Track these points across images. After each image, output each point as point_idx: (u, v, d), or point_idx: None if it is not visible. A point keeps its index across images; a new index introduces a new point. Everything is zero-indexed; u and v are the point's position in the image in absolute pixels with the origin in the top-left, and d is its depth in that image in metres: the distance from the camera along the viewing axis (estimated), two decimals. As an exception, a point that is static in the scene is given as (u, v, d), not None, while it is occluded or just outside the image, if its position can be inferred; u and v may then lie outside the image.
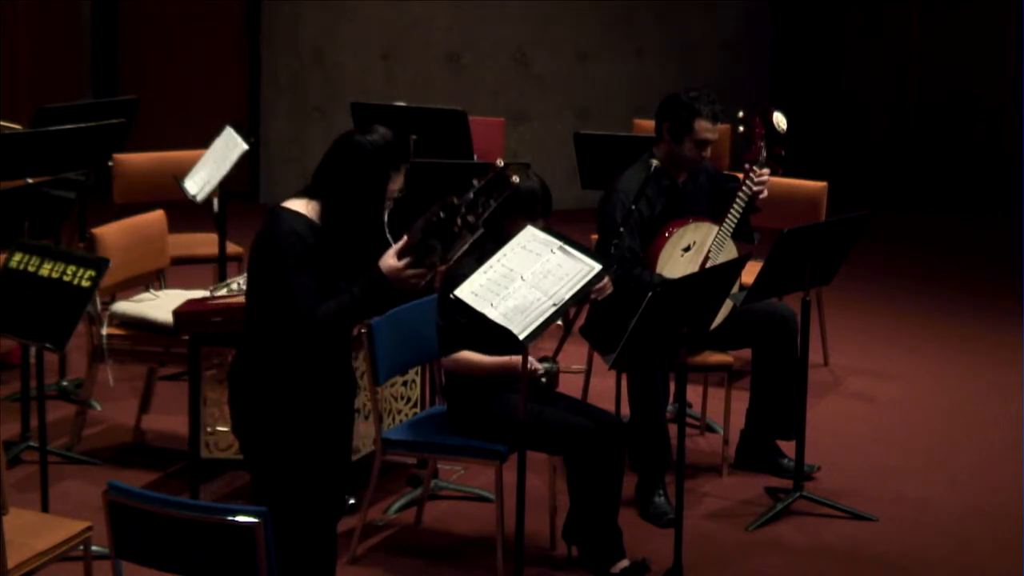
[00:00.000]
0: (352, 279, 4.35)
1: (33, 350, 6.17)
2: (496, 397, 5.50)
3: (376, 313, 4.49)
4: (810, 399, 6.41)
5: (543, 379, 5.47)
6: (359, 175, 4.36)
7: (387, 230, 4.44)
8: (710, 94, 6.26)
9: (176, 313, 5.96)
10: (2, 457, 4.64)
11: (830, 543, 5.96)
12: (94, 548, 4.87)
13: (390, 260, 4.30)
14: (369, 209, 4.38)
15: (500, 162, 4.51)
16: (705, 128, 6.18)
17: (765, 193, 6.28)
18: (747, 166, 6.27)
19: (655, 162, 6.18)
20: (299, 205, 4.39)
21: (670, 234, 6.18)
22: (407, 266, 4.29)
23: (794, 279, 6.03)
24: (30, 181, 6.71)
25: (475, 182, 4.36)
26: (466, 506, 6.21)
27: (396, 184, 4.40)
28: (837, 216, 6.27)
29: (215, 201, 7.25)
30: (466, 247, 4.34)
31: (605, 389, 6.71)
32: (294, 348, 4.40)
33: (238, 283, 6.07)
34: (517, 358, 5.35)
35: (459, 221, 4.25)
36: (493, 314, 4.88)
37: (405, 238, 4.32)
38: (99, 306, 6.47)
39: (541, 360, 5.51)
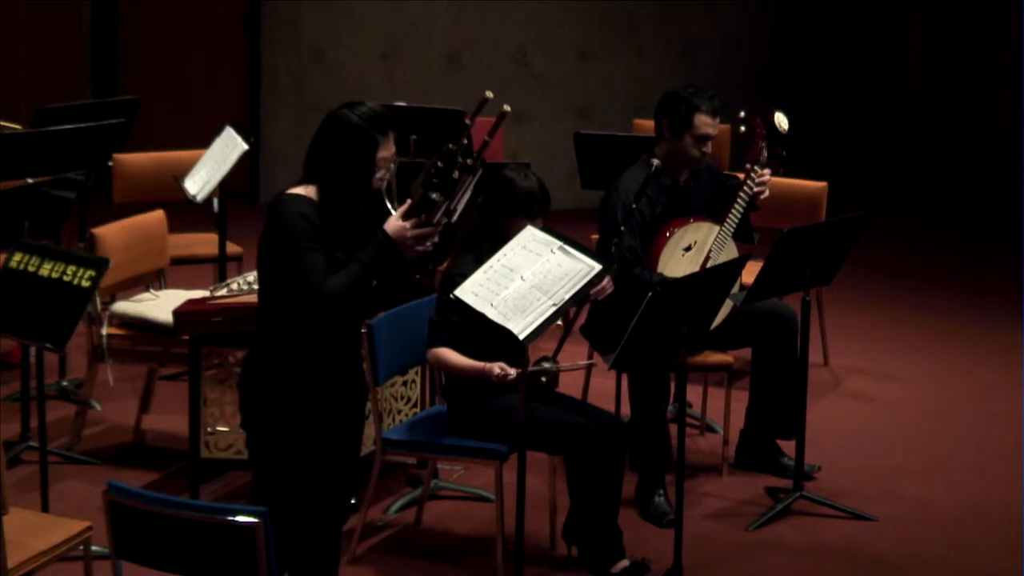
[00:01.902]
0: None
1: (33, 350, 6.17)
2: (496, 397, 5.49)
3: (385, 279, 4.46)
4: (810, 399, 6.41)
5: (543, 379, 5.47)
6: (347, 147, 4.37)
7: (387, 198, 4.45)
8: (708, 89, 6.26)
9: (176, 313, 5.96)
10: (2, 457, 4.64)
11: (830, 543, 5.96)
12: (94, 548, 4.87)
13: (394, 222, 4.32)
14: (363, 179, 4.38)
15: (488, 94, 4.50)
16: (705, 123, 6.17)
17: (766, 193, 6.28)
18: (748, 166, 6.27)
19: (656, 162, 6.17)
20: (299, 190, 4.43)
21: (671, 234, 6.18)
22: (413, 226, 4.30)
23: (794, 279, 6.03)
24: (30, 181, 6.71)
25: (467, 121, 4.37)
26: (466, 506, 6.21)
27: (387, 151, 4.40)
28: (837, 216, 6.27)
29: (215, 201, 7.26)
30: (469, 193, 4.33)
31: (605, 389, 6.71)
32: (307, 338, 4.40)
33: (238, 283, 6.07)
34: (490, 365, 5.34)
35: (458, 166, 4.25)
36: (493, 314, 4.88)
37: (408, 202, 4.32)
38: (99, 306, 6.47)
39: (542, 360, 5.51)
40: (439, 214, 4.33)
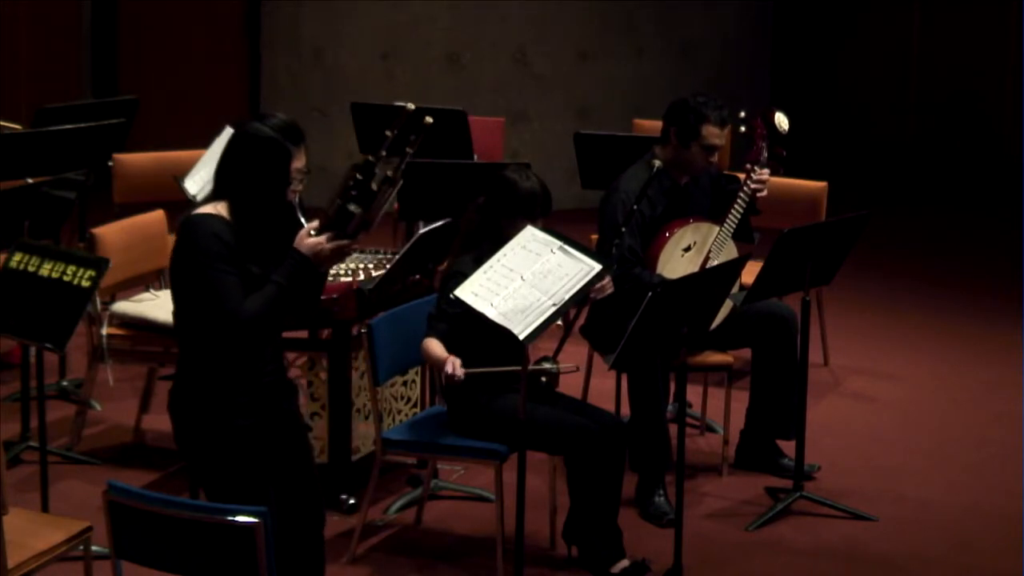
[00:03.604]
0: (275, 267, 4.32)
1: (33, 350, 6.17)
2: (496, 397, 5.49)
3: (305, 296, 4.43)
4: (810, 399, 6.41)
5: (543, 379, 5.46)
6: (260, 159, 4.31)
7: (300, 211, 4.40)
8: (718, 99, 6.26)
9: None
10: (2, 457, 4.64)
11: (830, 543, 5.96)
12: (94, 548, 4.87)
13: (307, 239, 4.28)
14: (276, 191, 4.33)
15: (410, 105, 4.47)
16: (713, 134, 6.17)
17: (765, 192, 6.28)
18: (748, 166, 6.27)
19: (658, 163, 6.17)
20: (210, 208, 4.36)
21: (671, 234, 6.18)
22: (328, 239, 4.26)
23: (794, 279, 6.03)
24: (30, 181, 6.71)
25: (387, 133, 4.32)
26: (466, 506, 6.21)
27: (300, 162, 4.35)
28: (837, 216, 6.27)
29: (215, 201, 7.24)
30: (387, 205, 4.28)
31: (605, 389, 6.71)
32: (228, 356, 4.34)
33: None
34: (447, 359, 5.26)
35: (377, 178, 4.20)
36: (493, 314, 4.88)
37: (316, 220, 4.28)
38: (99, 306, 6.47)
39: (542, 360, 5.50)
40: (355, 225, 4.26)
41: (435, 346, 5.38)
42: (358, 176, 4.20)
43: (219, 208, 4.35)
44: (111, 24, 11.49)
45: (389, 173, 4.22)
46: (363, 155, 4.26)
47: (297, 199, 4.38)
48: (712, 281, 5.58)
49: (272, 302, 4.29)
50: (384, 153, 4.23)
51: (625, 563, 5.53)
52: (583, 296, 5.05)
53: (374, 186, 4.21)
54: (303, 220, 4.37)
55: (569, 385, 5.99)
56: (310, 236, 4.28)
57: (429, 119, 4.44)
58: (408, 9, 11.06)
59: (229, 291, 4.26)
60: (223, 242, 4.27)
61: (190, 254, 4.31)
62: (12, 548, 4.52)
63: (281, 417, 4.48)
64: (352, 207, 4.23)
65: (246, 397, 4.38)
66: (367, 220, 4.26)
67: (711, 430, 6.96)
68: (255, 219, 4.33)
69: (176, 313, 4.46)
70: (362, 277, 6.07)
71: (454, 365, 5.22)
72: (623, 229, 6.07)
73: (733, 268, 5.65)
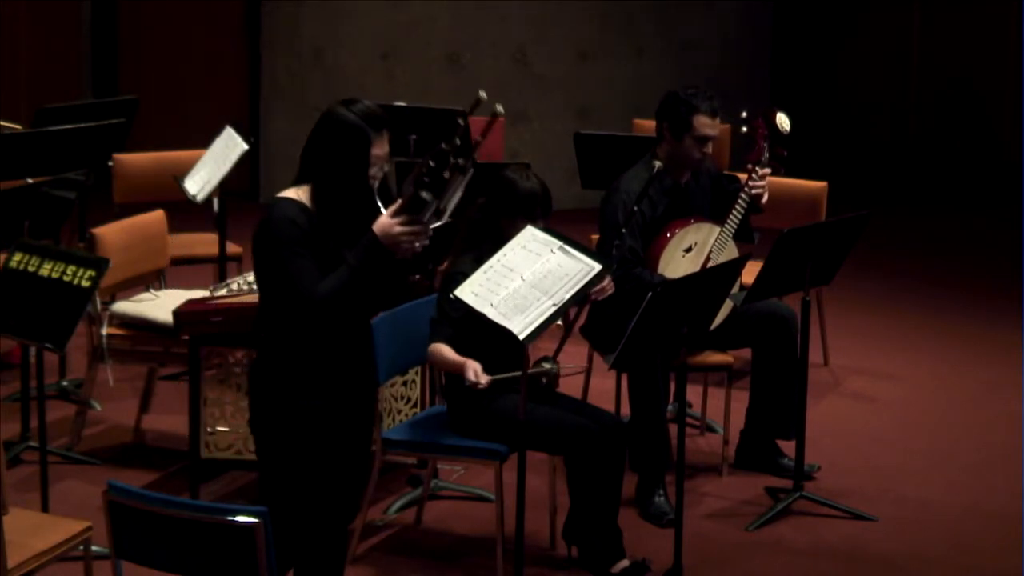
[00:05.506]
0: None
1: (33, 350, 6.17)
2: (496, 397, 5.49)
3: (379, 281, 4.48)
4: (810, 399, 6.41)
5: (543, 379, 5.46)
6: (341, 143, 4.38)
7: (378, 199, 4.44)
8: (708, 90, 6.26)
9: (176, 313, 5.96)
10: (2, 457, 4.64)
11: (830, 543, 5.96)
12: (94, 548, 4.87)
13: (383, 220, 4.34)
14: (356, 177, 4.39)
15: (483, 94, 4.50)
16: (705, 123, 6.17)
17: (765, 196, 6.27)
18: (749, 167, 6.27)
19: (659, 163, 6.17)
20: (291, 192, 4.46)
21: (672, 235, 6.18)
22: (401, 224, 4.31)
23: (794, 279, 6.03)
24: (30, 181, 6.71)
25: (459, 121, 4.37)
26: (466, 506, 6.21)
27: (381, 149, 4.41)
28: (837, 216, 6.27)
29: (215, 201, 7.26)
30: (460, 193, 4.33)
31: (605, 389, 6.71)
32: (308, 338, 4.43)
33: (238, 283, 6.07)
34: (468, 365, 5.28)
35: (449, 166, 4.25)
36: (493, 314, 4.88)
37: (399, 201, 4.33)
38: (99, 306, 6.47)
39: (542, 360, 5.50)
40: (429, 213, 4.32)
41: (447, 351, 5.39)
42: (431, 164, 4.25)
43: (300, 193, 4.44)
44: (111, 24, 11.49)
45: (460, 161, 4.26)
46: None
47: (376, 185, 4.43)
48: (712, 281, 5.58)
49: (344, 282, 4.36)
50: (458, 141, 4.27)
51: (625, 563, 5.53)
52: (583, 296, 5.05)
53: (446, 175, 4.25)
54: (381, 206, 4.43)
55: (569, 385, 6.00)
56: (387, 218, 4.34)
57: (500, 107, 4.52)
58: (408, 9, 11.06)
59: (302, 273, 4.34)
60: (297, 226, 4.36)
61: (266, 238, 4.41)
62: (12, 548, 4.52)
63: (356, 401, 4.55)
64: (424, 194, 4.29)
65: (322, 378, 4.45)
66: (439, 208, 4.31)
67: (711, 430, 6.96)
68: (335, 202, 4.40)
69: (260, 295, 4.56)
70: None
71: (476, 372, 5.24)
72: (623, 230, 6.07)
73: (733, 268, 5.65)
